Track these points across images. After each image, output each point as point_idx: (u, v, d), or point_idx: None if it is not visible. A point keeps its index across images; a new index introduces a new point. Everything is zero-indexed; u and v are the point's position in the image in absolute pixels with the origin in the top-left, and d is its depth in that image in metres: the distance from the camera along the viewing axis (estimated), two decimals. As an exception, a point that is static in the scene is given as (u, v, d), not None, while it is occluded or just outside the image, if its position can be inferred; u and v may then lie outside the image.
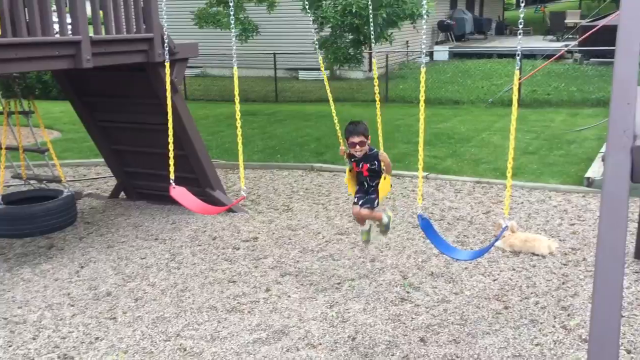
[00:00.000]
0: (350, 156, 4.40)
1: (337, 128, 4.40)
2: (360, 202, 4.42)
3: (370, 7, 5.21)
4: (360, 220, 4.52)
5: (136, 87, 6.71)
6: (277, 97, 16.03)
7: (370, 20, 4.88)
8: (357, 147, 4.27)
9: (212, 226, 6.56)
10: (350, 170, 4.50)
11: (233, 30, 4.63)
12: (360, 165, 4.39)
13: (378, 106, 4.31)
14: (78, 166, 9.55)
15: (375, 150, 4.34)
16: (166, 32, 4.85)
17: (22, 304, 4.86)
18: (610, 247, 2.37)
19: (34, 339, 4.31)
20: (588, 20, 19.25)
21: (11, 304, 4.86)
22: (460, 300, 4.73)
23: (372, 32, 5.06)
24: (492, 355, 3.96)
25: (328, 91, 4.56)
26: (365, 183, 4.44)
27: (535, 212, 6.75)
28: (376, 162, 4.30)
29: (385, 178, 4.30)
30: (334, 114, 4.41)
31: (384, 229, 4.61)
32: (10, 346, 4.21)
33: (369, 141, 4.32)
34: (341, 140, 4.37)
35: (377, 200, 4.41)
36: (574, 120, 11.83)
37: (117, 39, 5.67)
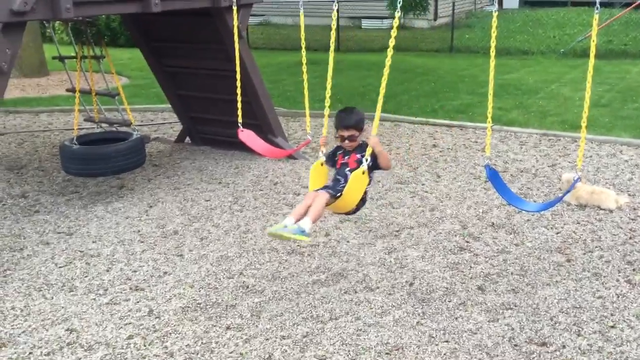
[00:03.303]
0: (335, 150, 3.90)
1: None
2: (326, 189, 3.65)
3: None
4: (302, 209, 3.50)
5: (202, 33, 6.79)
6: (339, 46, 15.85)
7: None
8: (347, 142, 3.74)
9: (274, 172, 6.68)
10: (321, 164, 3.84)
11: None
12: (347, 157, 3.77)
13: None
14: (145, 111, 9.85)
15: (365, 141, 3.70)
16: (232, -24, 4.86)
17: (96, 238, 5.15)
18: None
19: (107, 270, 4.59)
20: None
21: (86, 238, 5.16)
22: (520, 252, 4.68)
23: None
24: (552, 305, 3.93)
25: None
26: (343, 178, 3.69)
27: (605, 166, 6.51)
28: (369, 157, 3.52)
29: (363, 173, 3.49)
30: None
31: (304, 235, 3.40)
32: (86, 276, 4.50)
33: (361, 135, 3.75)
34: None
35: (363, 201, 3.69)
36: (652, 73, 11.21)
37: (184, -16, 5.72)
